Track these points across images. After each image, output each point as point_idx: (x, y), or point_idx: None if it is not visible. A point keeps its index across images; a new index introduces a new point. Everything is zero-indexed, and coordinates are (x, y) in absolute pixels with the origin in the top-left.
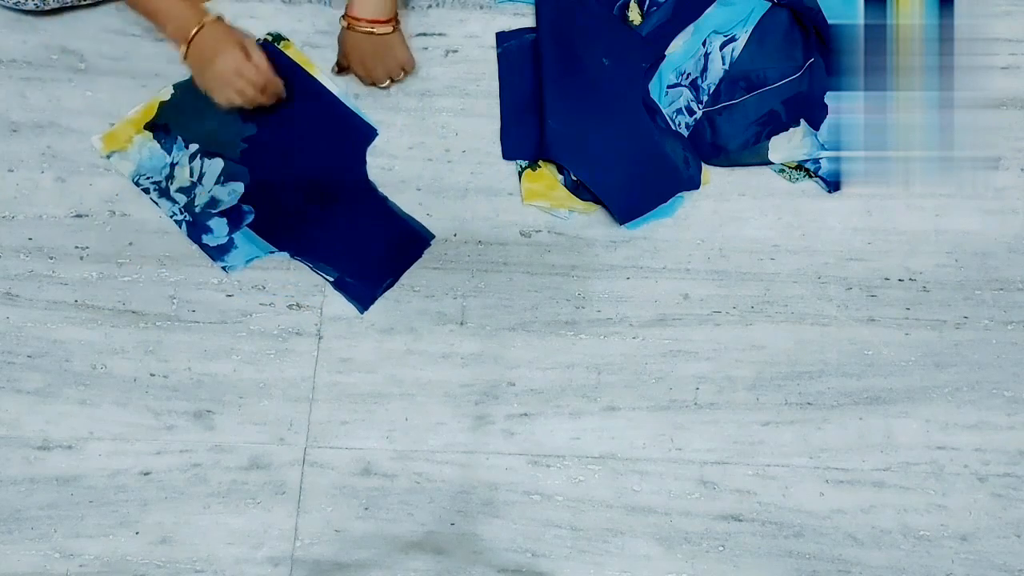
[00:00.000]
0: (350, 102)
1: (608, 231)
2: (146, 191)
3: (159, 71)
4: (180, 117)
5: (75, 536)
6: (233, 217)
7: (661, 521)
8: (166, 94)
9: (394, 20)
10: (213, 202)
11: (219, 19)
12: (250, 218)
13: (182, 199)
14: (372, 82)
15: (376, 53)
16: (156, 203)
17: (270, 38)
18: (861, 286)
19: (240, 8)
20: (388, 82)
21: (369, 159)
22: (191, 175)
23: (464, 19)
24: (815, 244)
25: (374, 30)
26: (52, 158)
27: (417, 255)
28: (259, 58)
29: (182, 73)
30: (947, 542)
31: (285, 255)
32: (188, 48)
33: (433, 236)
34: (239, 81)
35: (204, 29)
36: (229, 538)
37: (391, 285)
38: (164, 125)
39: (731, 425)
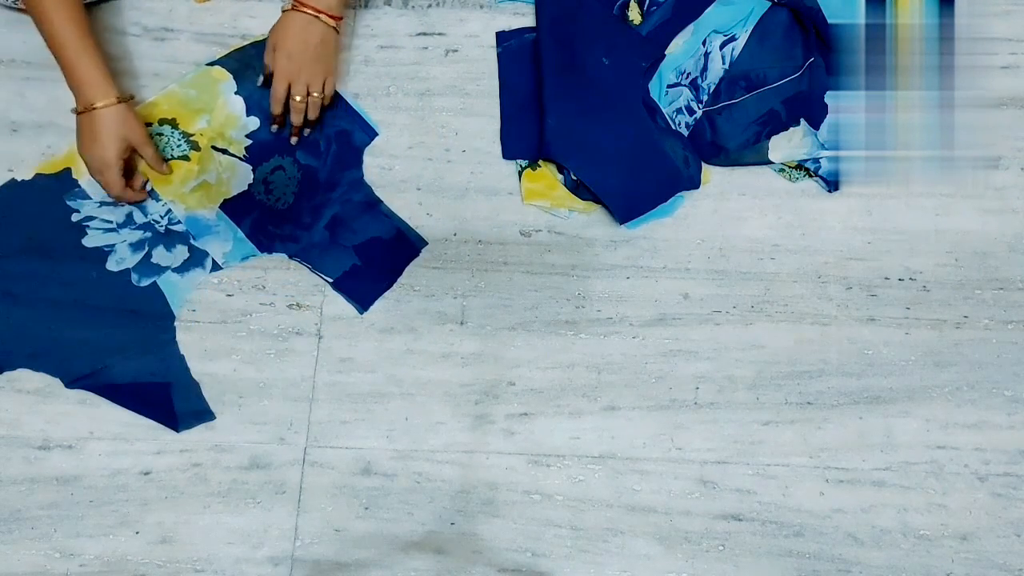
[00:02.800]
0: (352, 102)
1: (608, 231)
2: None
3: (159, 71)
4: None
5: (75, 536)
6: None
7: (661, 521)
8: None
9: (340, 20)
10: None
11: (125, 104)
12: (249, 219)
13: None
14: (287, 87)
15: (316, 44)
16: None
17: None
18: (861, 286)
19: (240, 8)
20: (299, 98)
21: (369, 159)
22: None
23: (464, 19)
24: (815, 244)
25: (319, 16)
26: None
27: (409, 259)
28: (151, 155)
29: (180, 73)
30: (947, 541)
31: (283, 256)
32: (78, 117)
33: (426, 243)
34: (99, 178)
35: (97, 111)
36: (229, 538)
37: (389, 286)
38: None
39: (731, 425)
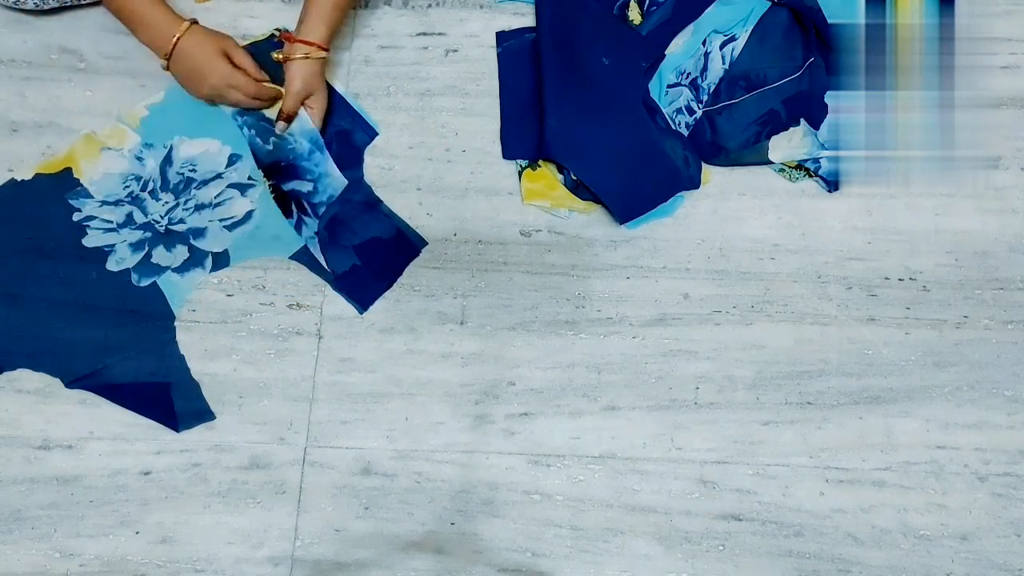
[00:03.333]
0: (352, 101)
1: (608, 231)
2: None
3: (159, 71)
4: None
5: (75, 536)
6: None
7: (661, 521)
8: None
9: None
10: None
11: (195, 24)
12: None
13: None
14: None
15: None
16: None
17: (277, 33)
18: (861, 285)
19: (240, 8)
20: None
21: (369, 159)
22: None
23: (464, 19)
24: (815, 244)
25: (310, 54)
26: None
27: (409, 259)
28: (246, 62)
29: None
30: (947, 541)
31: (283, 255)
32: (169, 60)
33: (426, 243)
34: (231, 93)
35: (183, 39)
36: (229, 538)
37: (389, 286)
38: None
39: (731, 425)
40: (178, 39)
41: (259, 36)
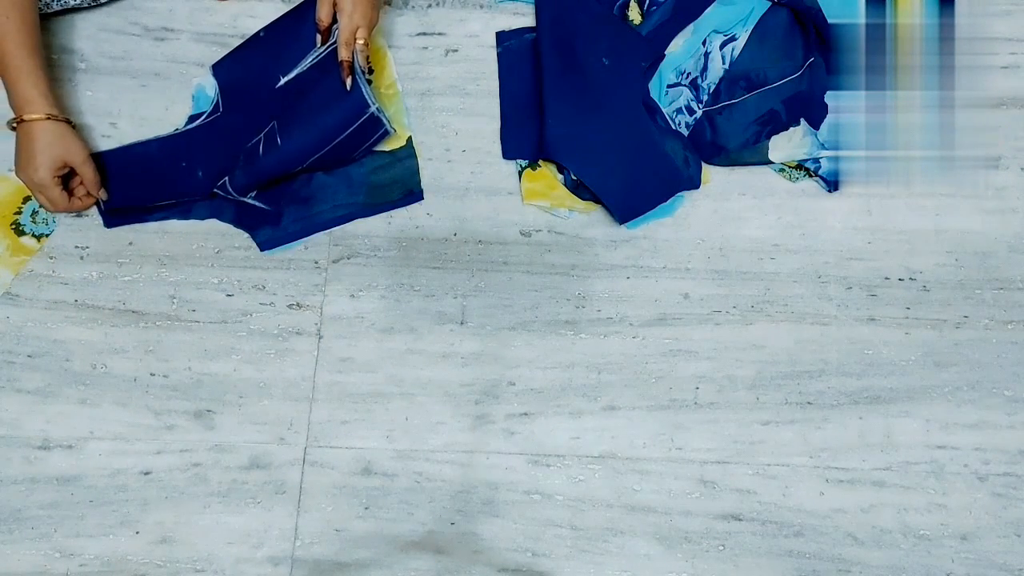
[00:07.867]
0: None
1: (608, 231)
2: None
3: (159, 71)
4: None
5: (75, 536)
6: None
7: (661, 521)
8: None
9: None
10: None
11: (62, 121)
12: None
13: None
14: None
15: None
16: None
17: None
18: (861, 285)
19: (240, 8)
20: (363, 41)
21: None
22: None
23: (464, 19)
24: (815, 243)
25: None
26: None
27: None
28: (89, 179)
29: (180, 73)
30: (947, 541)
31: (287, 254)
32: (15, 129)
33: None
34: (39, 196)
35: (33, 124)
36: (229, 538)
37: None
38: None
39: (731, 424)
40: (33, 119)
41: None
